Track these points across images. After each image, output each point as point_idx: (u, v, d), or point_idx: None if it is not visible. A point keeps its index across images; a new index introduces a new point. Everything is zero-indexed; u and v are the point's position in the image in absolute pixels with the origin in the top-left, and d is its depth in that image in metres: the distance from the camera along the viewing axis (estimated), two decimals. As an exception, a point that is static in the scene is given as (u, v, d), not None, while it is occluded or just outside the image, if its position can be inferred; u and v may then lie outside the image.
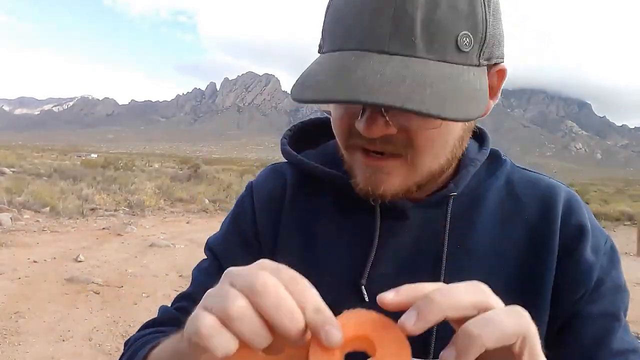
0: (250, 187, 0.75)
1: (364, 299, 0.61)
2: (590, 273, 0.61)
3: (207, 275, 0.71)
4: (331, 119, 0.60)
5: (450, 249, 0.62)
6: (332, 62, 0.50)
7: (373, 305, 0.60)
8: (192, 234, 9.25)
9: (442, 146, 0.56)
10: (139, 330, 0.71)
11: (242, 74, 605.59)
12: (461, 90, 0.49)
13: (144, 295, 5.43)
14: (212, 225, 10.44)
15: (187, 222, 10.89)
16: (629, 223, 15.72)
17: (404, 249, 0.63)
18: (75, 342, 4.11)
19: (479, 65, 0.52)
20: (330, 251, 0.66)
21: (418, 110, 0.45)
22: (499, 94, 0.58)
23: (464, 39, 0.49)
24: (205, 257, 0.75)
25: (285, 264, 0.60)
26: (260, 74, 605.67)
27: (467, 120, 0.50)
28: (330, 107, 0.60)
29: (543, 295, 0.62)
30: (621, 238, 12.71)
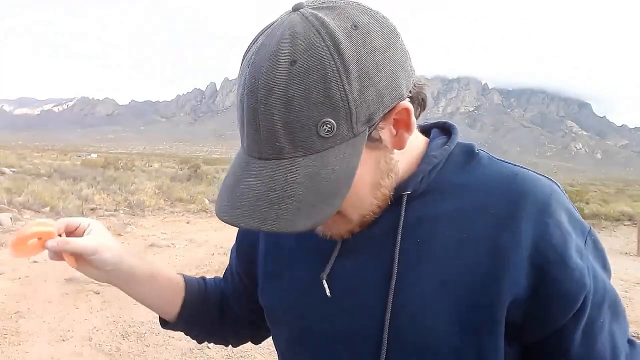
0: None
1: (325, 292, 0.66)
2: (577, 293, 0.60)
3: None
4: None
5: (406, 247, 0.63)
6: (231, 169, 0.60)
7: (334, 298, 0.66)
8: (192, 233, 9.26)
9: (358, 200, 0.61)
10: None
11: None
12: (321, 187, 0.54)
13: (144, 295, 5.43)
14: (212, 225, 10.45)
15: (187, 222, 10.89)
16: (629, 223, 15.70)
17: (364, 245, 0.66)
18: (75, 342, 4.11)
19: (355, 136, 0.55)
20: (297, 247, 0.73)
21: (271, 230, 0.54)
22: (413, 126, 0.59)
23: (324, 126, 0.53)
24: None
25: (265, 261, 0.78)
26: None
27: (316, 227, 0.58)
28: None
29: (501, 297, 0.60)
30: (621, 238, 12.71)
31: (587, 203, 18.79)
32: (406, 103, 0.57)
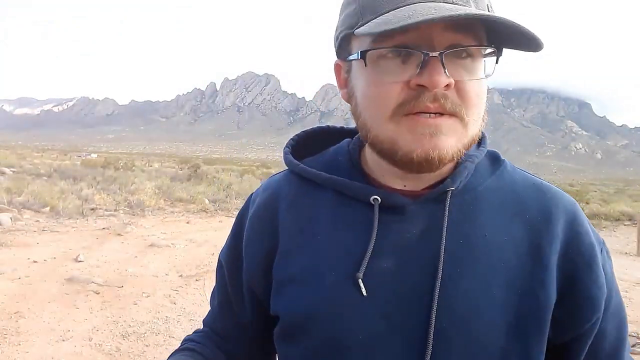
0: (248, 200, 0.78)
1: (361, 292, 0.61)
2: (600, 298, 0.63)
3: (213, 298, 0.85)
4: (365, 99, 0.61)
5: (449, 244, 0.61)
6: (405, 8, 0.53)
7: (371, 299, 0.61)
8: (192, 233, 9.25)
9: (483, 104, 0.59)
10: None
11: (242, 74, 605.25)
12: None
13: (144, 295, 5.43)
14: (212, 225, 10.45)
15: (187, 222, 10.88)
16: (629, 223, 15.69)
17: (402, 244, 0.63)
18: (75, 342, 4.10)
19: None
20: (329, 246, 0.66)
21: (527, 33, 0.52)
22: None
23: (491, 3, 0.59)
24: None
25: (287, 262, 0.68)
26: (260, 74, 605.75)
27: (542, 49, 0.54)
28: (364, 83, 0.60)
29: (544, 297, 0.61)
30: (621, 238, 12.71)
31: (587, 203, 18.77)
32: None
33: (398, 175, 0.64)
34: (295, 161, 0.74)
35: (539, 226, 0.63)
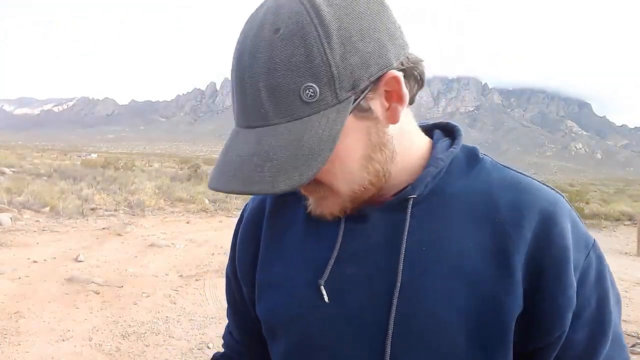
0: (243, 211, 0.81)
1: (323, 298, 0.63)
2: (566, 311, 0.60)
3: (228, 314, 0.87)
4: None
5: (410, 251, 0.61)
6: (226, 144, 0.60)
7: (335, 304, 0.63)
8: (192, 233, 9.26)
9: (348, 173, 0.59)
10: None
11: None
12: (303, 150, 0.53)
13: (144, 295, 5.43)
14: (212, 225, 10.46)
15: (187, 222, 10.88)
16: (629, 223, 15.69)
17: (366, 250, 0.64)
18: (75, 342, 4.11)
19: (340, 102, 0.54)
20: (298, 254, 0.69)
21: (253, 192, 0.54)
22: (405, 98, 0.57)
23: (307, 90, 0.53)
24: None
25: (265, 269, 0.72)
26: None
27: (296, 188, 0.54)
28: None
29: (507, 305, 0.59)
30: (621, 238, 12.71)
31: (587, 203, 18.77)
32: (395, 72, 0.56)
33: None
34: None
35: (507, 229, 0.60)
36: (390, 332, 0.60)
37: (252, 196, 0.80)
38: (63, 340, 4.11)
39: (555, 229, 0.60)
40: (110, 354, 3.96)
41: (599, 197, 25.37)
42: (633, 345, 4.56)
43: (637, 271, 8.21)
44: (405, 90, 0.57)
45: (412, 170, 0.64)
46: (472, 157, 0.67)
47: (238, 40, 0.57)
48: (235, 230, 0.80)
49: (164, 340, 4.28)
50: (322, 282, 0.64)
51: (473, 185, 0.64)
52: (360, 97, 0.55)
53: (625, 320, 5.10)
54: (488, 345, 0.59)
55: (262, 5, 0.57)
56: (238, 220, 0.80)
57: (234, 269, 0.79)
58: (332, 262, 0.64)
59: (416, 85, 0.61)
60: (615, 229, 14.65)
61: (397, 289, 0.60)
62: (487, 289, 0.59)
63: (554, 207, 0.62)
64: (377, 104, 0.57)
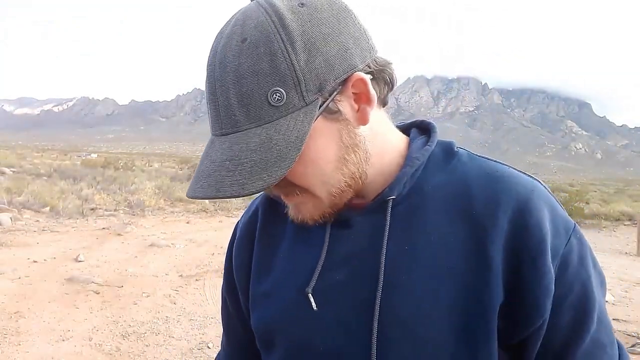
0: (235, 229, 0.81)
1: (312, 306, 0.64)
2: (545, 300, 0.60)
3: (223, 320, 0.86)
4: None
5: (392, 252, 0.62)
6: (202, 153, 0.61)
7: (326, 311, 0.63)
8: (192, 233, 9.26)
9: (323, 176, 0.60)
10: None
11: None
12: (273, 152, 0.55)
13: (144, 295, 5.44)
14: (212, 225, 10.46)
15: (187, 222, 10.89)
16: (629, 223, 15.70)
17: (351, 255, 0.64)
18: (75, 342, 4.11)
19: (307, 104, 0.56)
20: (288, 263, 0.69)
21: (226, 195, 0.55)
22: (373, 99, 0.58)
23: (274, 95, 0.55)
24: None
25: (257, 280, 0.73)
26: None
27: (265, 188, 0.55)
28: None
29: (488, 299, 0.59)
30: (621, 238, 12.73)
31: (587, 203, 18.78)
32: (361, 74, 0.58)
33: None
34: None
35: (483, 221, 0.60)
36: (374, 337, 0.60)
37: (244, 211, 0.82)
38: (63, 340, 4.11)
39: (531, 217, 0.60)
40: (110, 354, 3.96)
41: (599, 197, 25.38)
42: (633, 345, 4.55)
43: (637, 271, 8.22)
44: (373, 92, 0.58)
45: (390, 170, 0.65)
46: (448, 151, 0.67)
47: (209, 54, 0.59)
48: (229, 246, 0.81)
49: (164, 340, 4.28)
50: (310, 289, 0.64)
51: (450, 179, 0.64)
52: (329, 100, 0.57)
53: (625, 320, 5.11)
54: (474, 341, 0.60)
55: (230, 19, 0.59)
56: (231, 237, 0.81)
57: (230, 285, 0.80)
58: (319, 269, 0.65)
59: (386, 87, 0.63)
60: (615, 229, 14.66)
61: (379, 292, 0.61)
62: (471, 285, 0.59)
63: (530, 194, 0.61)
64: (346, 106, 0.59)
